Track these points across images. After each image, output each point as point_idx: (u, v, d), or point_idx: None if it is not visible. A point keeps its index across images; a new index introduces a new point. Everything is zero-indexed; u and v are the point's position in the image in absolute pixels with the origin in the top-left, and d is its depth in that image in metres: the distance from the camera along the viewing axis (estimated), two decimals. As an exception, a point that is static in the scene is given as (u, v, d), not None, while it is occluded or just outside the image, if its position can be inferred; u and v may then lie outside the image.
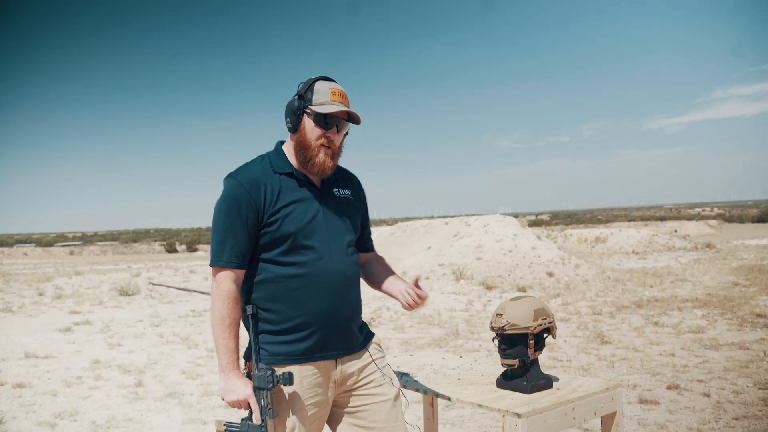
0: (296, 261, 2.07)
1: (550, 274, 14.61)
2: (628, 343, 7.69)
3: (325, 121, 2.10)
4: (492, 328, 2.62)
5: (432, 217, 27.47)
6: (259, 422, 1.98)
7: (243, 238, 2.06)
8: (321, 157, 2.11)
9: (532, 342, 2.57)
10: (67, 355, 7.83)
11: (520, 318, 2.55)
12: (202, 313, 11.53)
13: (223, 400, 2.06)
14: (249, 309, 2.09)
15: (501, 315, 2.58)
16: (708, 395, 5.31)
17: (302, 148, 2.12)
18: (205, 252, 53.53)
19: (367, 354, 2.23)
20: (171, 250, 59.63)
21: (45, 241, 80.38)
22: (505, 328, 2.56)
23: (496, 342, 2.66)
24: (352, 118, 2.15)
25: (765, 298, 11.16)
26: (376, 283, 2.38)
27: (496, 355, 7.24)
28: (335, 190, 2.22)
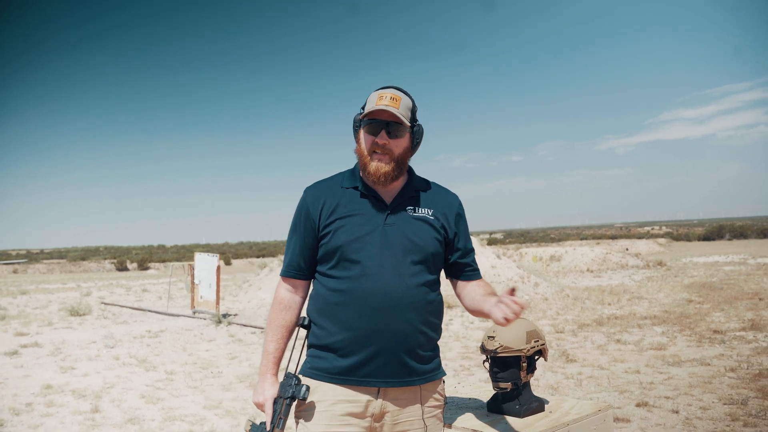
0: (341, 275, 2.00)
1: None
2: (593, 361, 7.74)
3: (371, 127, 2.03)
4: (484, 351, 2.56)
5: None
6: (269, 429, 1.96)
7: (300, 250, 2.08)
8: (374, 164, 2.02)
9: (524, 365, 2.51)
10: (15, 381, 7.43)
11: (513, 341, 2.49)
12: (158, 334, 11.17)
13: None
14: (302, 320, 2.10)
15: (493, 338, 2.52)
16: (677, 412, 5.35)
17: (359, 158, 2.09)
18: (156, 270, 52.30)
19: (418, 396, 2.01)
20: (122, 268, 58.09)
21: (-13, 260, 77.26)
22: (498, 350, 2.49)
23: (487, 365, 2.59)
24: (405, 118, 2.03)
25: (719, 315, 11.43)
26: (470, 305, 2.11)
27: (464, 375, 7.19)
28: (410, 208, 2.07)
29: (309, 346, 2.07)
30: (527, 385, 2.55)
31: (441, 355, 7.87)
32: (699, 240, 70.44)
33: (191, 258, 15.14)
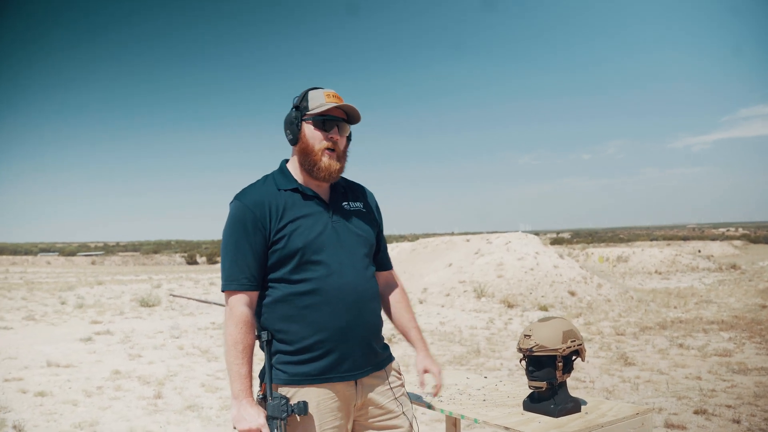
0: (306, 278, 2.01)
1: (572, 293, 14.44)
2: (653, 365, 7.54)
3: (323, 123, 2.07)
4: (520, 350, 2.57)
5: (452, 234, 27.39)
6: None
7: (252, 260, 2.01)
8: (326, 160, 2.07)
9: (560, 364, 2.51)
10: (88, 365, 7.87)
11: (549, 340, 2.50)
12: (222, 326, 11.54)
13: (234, 428, 1.97)
14: (264, 335, 2.03)
15: (529, 336, 2.53)
16: (738, 422, 5.17)
17: (305, 155, 2.09)
18: (225, 264, 53.79)
19: (385, 379, 2.16)
20: (191, 261, 60.08)
21: (68, 251, 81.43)
22: (534, 349, 2.50)
23: (524, 363, 2.60)
24: (351, 117, 2.13)
25: (793, 322, 10.90)
26: (396, 321, 2.34)
27: (519, 375, 7.14)
28: (345, 203, 2.17)
29: (276, 353, 2.04)
30: (563, 384, 2.54)
31: (499, 354, 7.81)
32: (779, 243, 66.99)
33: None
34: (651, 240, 69.58)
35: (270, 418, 1.94)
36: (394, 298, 2.35)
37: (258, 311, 2.08)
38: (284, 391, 2.01)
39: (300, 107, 2.10)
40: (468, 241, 19.15)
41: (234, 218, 2.04)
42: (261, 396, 2.02)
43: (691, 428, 5.02)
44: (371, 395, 2.11)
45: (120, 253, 76.02)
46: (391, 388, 2.16)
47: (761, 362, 7.58)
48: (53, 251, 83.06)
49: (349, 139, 2.18)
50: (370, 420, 2.14)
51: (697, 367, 7.38)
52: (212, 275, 30.46)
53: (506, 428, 2.38)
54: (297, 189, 2.10)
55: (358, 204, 2.20)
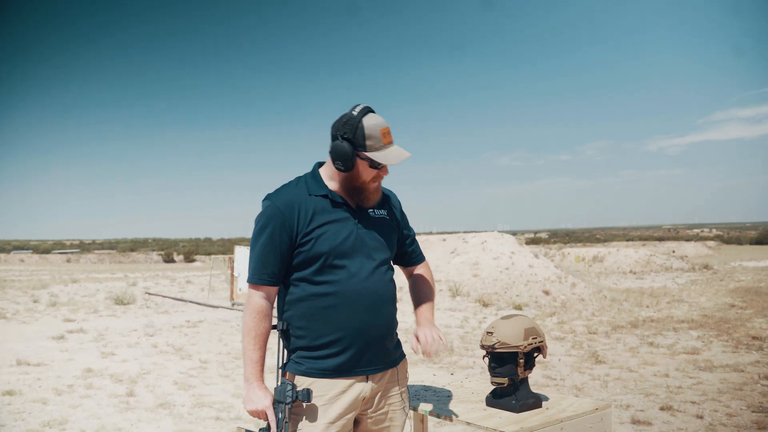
0: (328, 280, 2.11)
1: (547, 293, 14.60)
2: (623, 363, 7.67)
3: (379, 164, 2.15)
4: (482, 346, 2.62)
5: (430, 233, 27.49)
6: None
7: (276, 258, 2.12)
8: (374, 195, 2.21)
9: (522, 361, 2.56)
10: (60, 363, 7.80)
11: (511, 337, 2.55)
12: (197, 324, 11.50)
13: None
14: (281, 325, 2.17)
15: (492, 333, 2.58)
16: (701, 417, 5.29)
17: (354, 186, 2.18)
18: (202, 263, 53.46)
19: (395, 375, 2.29)
20: (168, 260, 59.61)
21: (42, 248, 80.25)
22: (496, 346, 2.55)
23: (487, 360, 2.65)
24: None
25: (761, 321, 11.14)
26: (414, 302, 2.43)
27: (489, 373, 7.22)
28: (370, 210, 2.25)
29: (295, 349, 2.17)
30: (525, 381, 2.60)
31: (472, 352, 7.88)
32: (751, 244, 68.26)
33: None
34: (627, 240, 70.45)
35: (276, 402, 2.07)
36: (417, 283, 2.47)
37: (281, 306, 2.21)
38: (300, 381, 2.13)
39: (354, 142, 2.10)
40: (444, 240, 19.25)
41: (264, 217, 2.15)
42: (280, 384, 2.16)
43: (657, 424, 5.13)
44: (379, 389, 2.23)
45: (96, 251, 75.10)
46: (398, 383, 2.30)
47: (726, 360, 7.75)
48: (27, 249, 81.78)
49: None
50: (373, 411, 2.24)
51: (665, 365, 7.52)
52: (189, 273, 30.26)
53: (468, 423, 2.43)
54: (327, 195, 2.18)
55: (382, 211, 2.29)
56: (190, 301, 15.77)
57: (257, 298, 2.13)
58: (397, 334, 2.30)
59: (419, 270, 2.49)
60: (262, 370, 2.12)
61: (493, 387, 2.66)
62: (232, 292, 14.99)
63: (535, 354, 2.65)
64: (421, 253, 2.50)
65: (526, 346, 2.56)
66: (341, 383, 2.13)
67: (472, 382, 3.13)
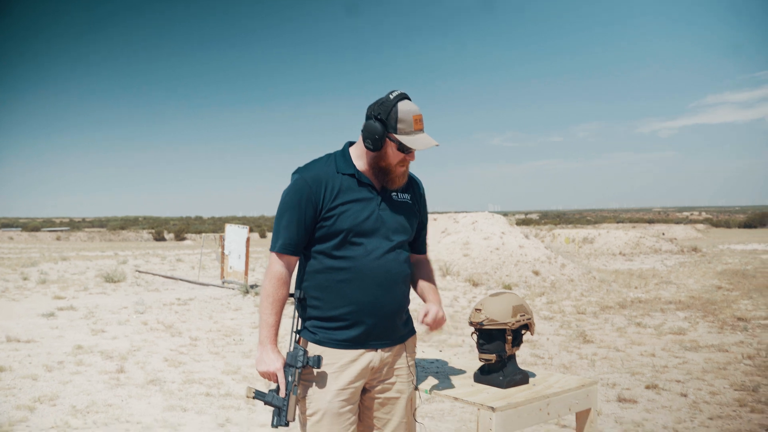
0: (346, 255, 2.21)
1: (536, 273, 14.69)
2: (610, 343, 7.76)
3: (407, 148, 2.22)
4: (471, 323, 2.64)
5: (421, 213, 27.47)
6: (284, 396, 2.14)
7: (299, 229, 2.22)
8: (401, 178, 2.29)
9: (510, 338, 2.58)
10: (50, 340, 7.80)
11: (499, 314, 2.57)
12: (187, 302, 11.51)
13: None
14: (297, 293, 2.26)
15: (480, 310, 2.60)
16: (685, 395, 5.37)
17: (380, 168, 2.26)
18: (192, 241, 53.35)
19: (403, 350, 2.40)
20: (159, 238, 59.46)
21: (32, 226, 79.79)
22: (484, 323, 2.58)
23: (475, 337, 2.68)
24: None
25: (746, 302, 11.28)
26: (414, 285, 2.51)
27: (477, 351, 7.28)
28: (394, 193, 2.33)
29: (309, 318, 2.27)
30: (512, 357, 2.62)
31: (461, 331, 7.96)
32: (739, 227, 68.79)
33: (225, 230, 15.49)
34: (617, 222, 70.77)
35: (287, 366, 2.17)
36: (421, 272, 2.54)
37: (300, 276, 2.31)
38: (312, 348, 2.24)
39: (387, 123, 2.19)
40: (435, 220, 19.28)
41: (293, 189, 2.24)
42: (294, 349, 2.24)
43: (642, 402, 5.21)
44: (389, 360, 2.33)
45: (86, 229, 74.76)
46: (407, 357, 2.41)
47: (712, 340, 7.86)
48: (16, 227, 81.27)
49: None
50: (380, 381, 2.33)
51: (652, 345, 7.61)
52: (179, 252, 30.21)
53: (455, 398, 2.46)
54: (354, 175, 2.27)
55: (405, 195, 2.37)
56: (181, 279, 15.76)
57: (278, 266, 2.22)
58: (408, 311, 2.40)
59: (422, 258, 2.58)
60: (276, 334, 2.22)
61: (481, 363, 2.69)
62: (222, 271, 14.98)
63: (523, 331, 2.68)
64: (426, 245, 2.60)
65: (514, 323, 2.58)
66: (351, 353, 2.24)
67: (461, 359, 3.16)
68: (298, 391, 2.18)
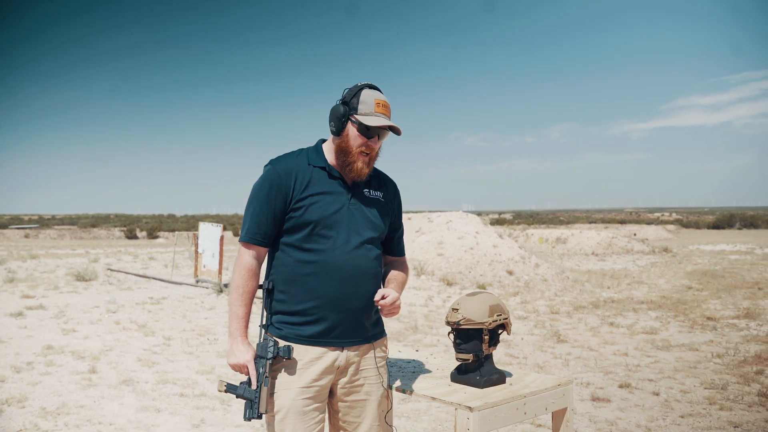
0: (313, 248, 2.20)
1: (510, 273, 14.79)
2: (584, 342, 7.84)
3: (368, 130, 2.22)
4: (448, 323, 2.65)
5: (397, 212, 27.48)
6: (255, 387, 2.12)
7: (268, 219, 2.21)
8: (359, 164, 2.25)
9: (486, 337, 2.59)
10: (18, 341, 7.64)
11: (476, 313, 2.58)
12: (160, 301, 11.37)
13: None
14: (266, 284, 2.25)
15: (457, 310, 2.61)
16: (657, 394, 5.46)
17: (343, 152, 2.26)
18: (165, 239, 52.72)
19: (371, 351, 2.34)
20: (131, 236, 58.64)
21: (-1, 223, 78.13)
22: (461, 323, 2.58)
23: (452, 336, 2.68)
24: (394, 129, 2.27)
25: (716, 302, 11.49)
26: (383, 282, 2.46)
27: (453, 351, 7.32)
28: (366, 190, 2.34)
29: (275, 312, 2.26)
30: (489, 357, 2.64)
31: (436, 330, 7.95)
32: (708, 228, 70.08)
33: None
34: (590, 223, 71.58)
35: (258, 357, 2.16)
36: (394, 269, 2.50)
37: (268, 269, 2.30)
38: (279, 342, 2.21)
39: (350, 105, 2.23)
40: (409, 219, 19.31)
41: (263, 180, 2.24)
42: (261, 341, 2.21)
43: (615, 401, 5.27)
44: (355, 362, 2.29)
45: (56, 227, 73.41)
46: (375, 359, 2.35)
47: (683, 339, 7.99)
48: (-17, 223, 79.48)
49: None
50: (347, 382, 2.30)
51: (624, 344, 7.72)
52: (152, 250, 29.84)
53: (433, 398, 2.46)
54: (325, 168, 2.28)
55: (378, 193, 2.38)
56: (154, 278, 15.56)
57: (248, 257, 2.22)
58: (376, 311, 2.35)
59: (399, 260, 2.56)
60: (246, 326, 2.20)
61: (458, 363, 2.70)
62: (196, 269, 14.83)
63: (500, 331, 2.69)
64: (403, 248, 2.57)
65: (491, 323, 2.60)
66: (316, 350, 2.21)
67: (437, 359, 3.17)
68: (269, 383, 2.16)
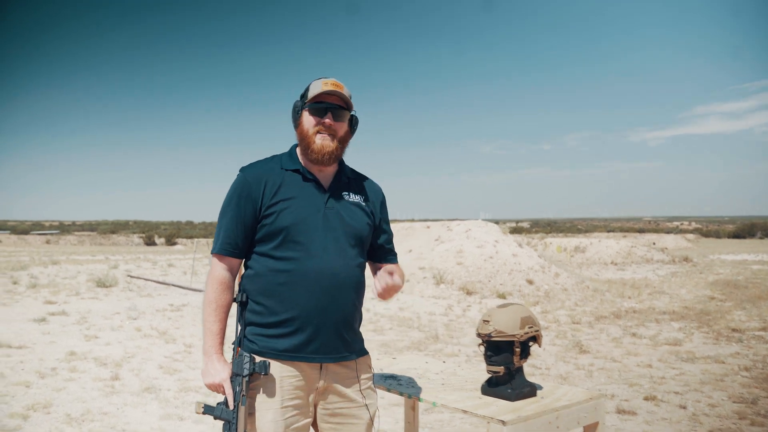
0: (286, 256, 2.06)
1: (530, 282, 14.69)
2: (606, 353, 7.75)
3: (318, 109, 2.13)
4: (478, 335, 2.62)
5: (413, 220, 27.51)
6: (232, 407, 1.99)
7: (239, 229, 2.10)
8: (318, 141, 2.12)
9: (518, 350, 2.56)
10: (42, 346, 7.70)
11: (507, 325, 2.55)
12: (180, 308, 11.42)
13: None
14: (239, 297, 2.12)
15: (488, 322, 2.58)
16: (684, 407, 5.36)
17: (302, 139, 2.17)
18: (183, 246, 53.10)
19: (354, 371, 2.18)
20: (150, 242, 59.17)
21: (20, 229, 79.24)
22: (492, 335, 2.55)
23: (482, 348, 2.65)
24: (347, 102, 2.17)
25: (740, 313, 11.31)
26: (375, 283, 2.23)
27: (477, 361, 7.26)
28: (345, 193, 2.21)
29: (249, 324, 2.11)
30: (520, 370, 2.60)
31: (457, 340, 7.87)
32: (729, 237, 69.23)
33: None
34: (608, 231, 71.03)
35: (234, 375, 2.03)
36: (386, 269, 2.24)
37: (243, 279, 2.15)
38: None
39: (303, 96, 2.18)
40: (428, 227, 19.28)
41: (233, 188, 2.15)
42: (235, 358, 2.09)
43: (641, 414, 5.19)
44: (335, 383, 2.13)
45: (76, 233, 74.30)
46: (359, 380, 2.18)
47: (708, 351, 7.86)
48: (5, 229, 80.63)
49: (353, 126, 2.24)
50: (331, 405, 2.15)
51: (648, 356, 7.61)
52: (170, 257, 30.05)
53: (464, 411, 2.43)
54: (298, 170, 2.16)
55: (358, 197, 2.24)
56: (173, 285, 15.66)
57: (220, 270, 2.10)
58: (358, 325, 2.21)
59: (392, 266, 2.27)
60: (221, 343, 2.08)
61: (489, 375, 2.67)
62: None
63: (531, 343, 2.66)
64: (395, 254, 2.39)
65: (522, 335, 2.56)
66: (292, 365, 2.07)
67: (465, 371, 3.14)
68: (247, 401, 2.02)
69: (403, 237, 19.32)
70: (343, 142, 2.19)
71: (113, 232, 72.63)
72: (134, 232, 72.38)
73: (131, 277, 17.63)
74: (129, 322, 9.70)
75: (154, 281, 16.55)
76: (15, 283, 15.18)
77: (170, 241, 58.62)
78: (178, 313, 10.89)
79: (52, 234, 68.12)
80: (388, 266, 2.13)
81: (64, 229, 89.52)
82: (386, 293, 2.13)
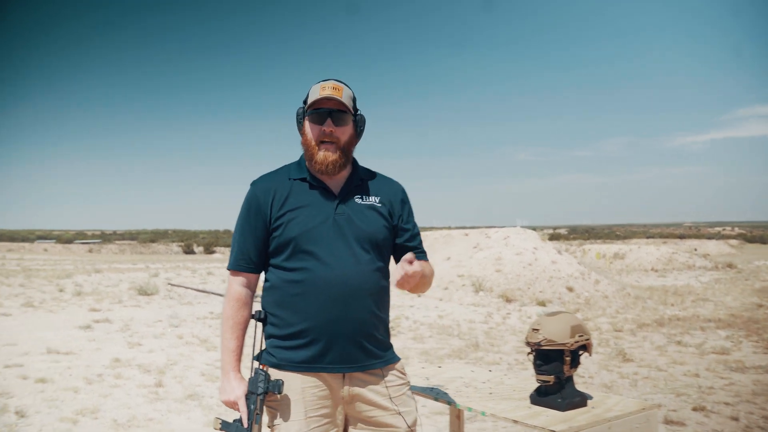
0: (298, 267, 2.03)
1: (570, 289, 14.48)
2: (651, 362, 7.58)
3: (317, 116, 2.08)
4: (527, 343, 2.59)
5: (450, 228, 27.37)
6: (246, 426, 1.97)
7: (252, 244, 2.09)
8: (321, 153, 2.07)
9: (568, 359, 2.52)
10: (88, 353, 7.87)
11: (557, 334, 2.51)
12: (220, 316, 11.54)
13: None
14: (257, 314, 2.10)
15: (538, 330, 2.54)
16: (736, 419, 5.20)
17: (305, 149, 2.13)
18: (222, 254, 53.82)
19: (382, 378, 2.10)
20: (188, 251, 60.11)
21: (65, 238, 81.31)
22: (542, 343, 2.52)
23: (531, 357, 2.62)
24: (346, 105, 2.09)
25: (790, 321, 10.96)
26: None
27: (518, 369, 7.17)
28: (358, 196, 2.13)
29: (268, 337, 2.10)
30: (570, 379, 2.56)
31: (497, 348, 7.76)
32: (775, 243, 67.20)
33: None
34: (647, 238, 69.70)
35: (249, 393, 2.00)
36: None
37: (262, 294, 2.14)
38: (273, 373, 2.04)
39: (305, 104, 2.13)
40: (467, 235, 19.18)
41: (244, 203, 2.14)
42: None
43: (690, 425, 5.05)
44: (361, 391, 2.07)
45: (117, 242, 75.95)
46: (387, 387, 2.10)
47: (759, 361, 7.63)
48: (50, 239, 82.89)
49: (359, 129, 2.18)
50: (361, 414, 2.09)
51: (695, 365, 7.42)
52: (209, 265, 30.45)
53: (515, 421, 2.40)
54: (305, 178, 2.12)
55: (372, 198, 2.16)
56: (213, 293, 15.86)
57: (236, 286, 2.10)
58: (382, 331, 2.13)
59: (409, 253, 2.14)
60: (238, 360, 2.06)
61: (537, 384, 2.63)
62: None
63: (581, 352, 2.61)
64: (423, 252, 2.26)
65: (572, 344, 2.52)
66: (313, 378, 2.03)
67: (512, 380, 3.10)
68: (262, 420, 1.98)
69: (441, 245, 19.25)
70: (349, 146, 2.13)
71: (153, 241, 74.00)
72: (173, 241, 73.63)
73: (172, 285, 17.92)
74: (171, 330, 9.86)
75: (194, 289, 16.79)
76: (61, 290, 15.57)
77: (208, 250, 59.47)
78: (218, 320, 11.01)
79: (94, 243, 69.75)
80: (407, 255, 1.96)
81: (106, 238, 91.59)
82: (405, 282, 1.95)
